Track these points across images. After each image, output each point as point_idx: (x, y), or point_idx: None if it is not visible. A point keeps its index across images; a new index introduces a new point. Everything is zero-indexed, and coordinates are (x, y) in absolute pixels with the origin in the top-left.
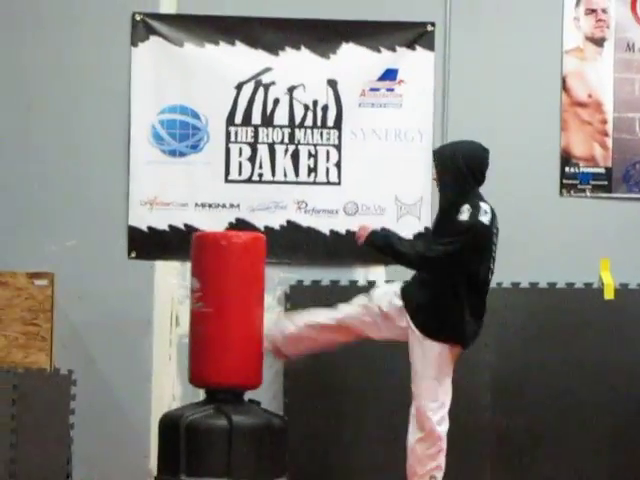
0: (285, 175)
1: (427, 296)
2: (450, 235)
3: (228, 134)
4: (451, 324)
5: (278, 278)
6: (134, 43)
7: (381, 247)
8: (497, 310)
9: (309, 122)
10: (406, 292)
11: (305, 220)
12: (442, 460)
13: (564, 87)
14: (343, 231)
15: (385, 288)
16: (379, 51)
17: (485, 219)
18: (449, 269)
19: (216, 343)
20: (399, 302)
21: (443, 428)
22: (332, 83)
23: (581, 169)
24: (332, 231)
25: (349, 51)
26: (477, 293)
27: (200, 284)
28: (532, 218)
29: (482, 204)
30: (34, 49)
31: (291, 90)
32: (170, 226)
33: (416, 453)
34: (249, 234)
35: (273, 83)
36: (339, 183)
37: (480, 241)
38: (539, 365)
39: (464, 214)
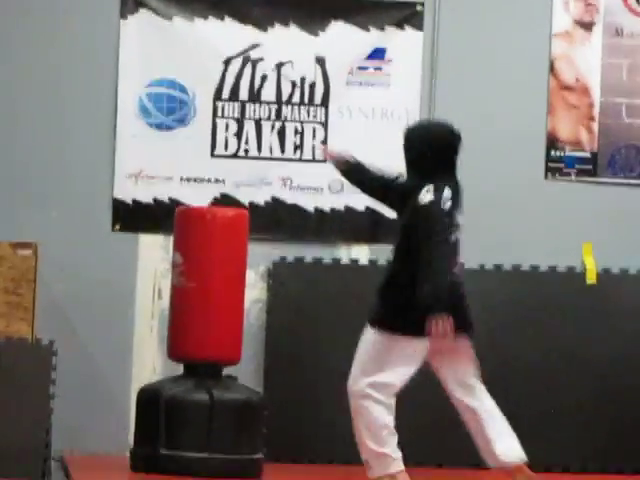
0: (271, 151)
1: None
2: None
3: (215, 109)
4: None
5: (261, 254)
6: (123, 15)
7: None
8: (479, 293)
9: (296, 99)
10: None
11: (290, 197)
12: None
13: (552, 70)
14: (328, 209)
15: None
16: (368, 30)
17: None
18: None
19: (197, 318)
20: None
21: None
22: (320, 61)
23: (567, 153)
24: (317, 208)
25: (338, 29)
26: None
27: (182, 259)
28: (517, 201)
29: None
30: (21, 19)
31: (279, 66)
32: (155, 199)
33: None
34: (232, 210)
35: (261, 59)
36: (324, 161)
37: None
38: (520, 348)
39: (427, 195)
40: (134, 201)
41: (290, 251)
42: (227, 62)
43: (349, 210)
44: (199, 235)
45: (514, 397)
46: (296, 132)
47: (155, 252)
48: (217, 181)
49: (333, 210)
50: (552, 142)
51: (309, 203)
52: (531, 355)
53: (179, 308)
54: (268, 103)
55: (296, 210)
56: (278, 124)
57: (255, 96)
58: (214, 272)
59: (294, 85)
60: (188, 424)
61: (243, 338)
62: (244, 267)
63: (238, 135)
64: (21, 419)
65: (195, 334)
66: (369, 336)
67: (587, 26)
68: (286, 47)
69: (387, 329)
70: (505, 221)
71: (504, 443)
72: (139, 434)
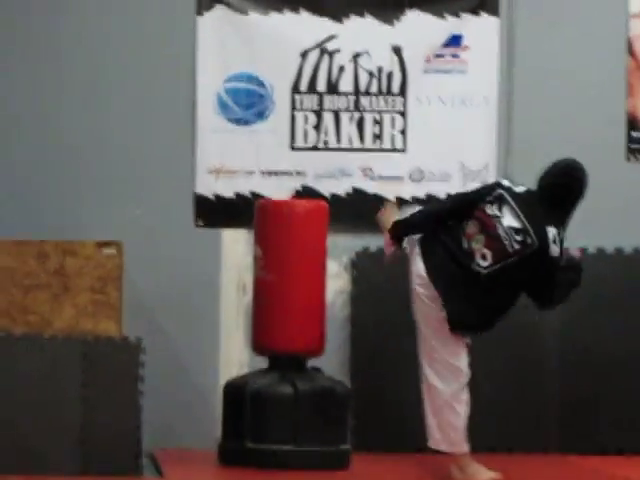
0: (350, 142)
1: None
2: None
3: (293, 102)
4: None
5: (343, 245)
6: (199, 12)
7: None
8: None
9: (374, 89)
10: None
11: (371, 187)
12: None
13: (630, 51)
14: (409, 197)
15: None
16: (443, 17)
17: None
18: None
19: (279, 310)
20: None
21: None
22: (397, 50)
23: None
24: (398, 198)
25: (413, 17)
26: None
27: (263, 252)
28: (599, 184)
29: None
30: (101, 18)
31: (356, 57)
32: (237, 194)
33: None
34: (311, 202)
35: (338, 50)
36: (404, 150)
37: None
38: (605, 331)
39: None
40: (216, 196)
41: (373, 241)
42: (304, 54)
43: (430, 198)
44: (278, 228)
45: (599, 380)
46: (375, 122)
47: (239, 247)
48: (298, 174)
49: (414, 199)
50: (633, 123)
51: (390, 192)
52: (617, 338)
53: (261, 301)
54: (346, 94)
55: (377, 200)
56: (357, 115)
57: (333, 87)
58: (293, 264)
59: (371, 75)
60: (273, 417)
61: (328, 330)
62: (324, 258)
63: (317, 127)
64: (111, 417)
65: (277, 327)
66: None
67: None
68: (362, 37)
69: None
70: (588, 204)
71: None
72: (226, 428)
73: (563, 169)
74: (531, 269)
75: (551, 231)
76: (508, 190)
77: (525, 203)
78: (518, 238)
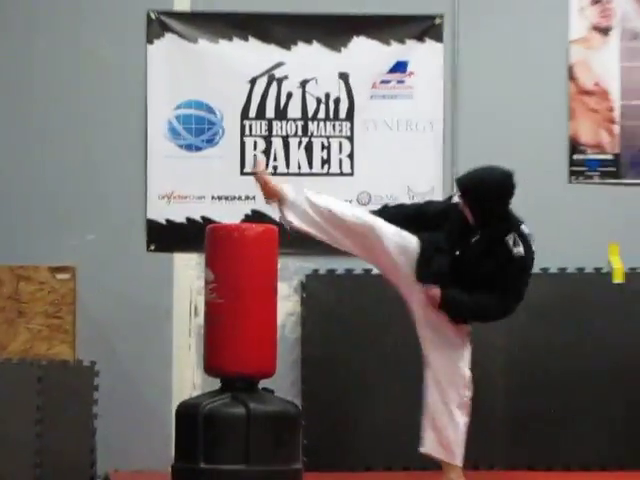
0: (299, 167)
1: None
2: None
3: (243, 128)
4: None
5: (294, 267)
6: (149, 40)
7: (456, 305)
8: None
9: (322, 115)
10: None
11: None
12: None
13: (571, 76)
14: None
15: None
16: (389, 44)
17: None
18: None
19: (230, 333)
20: None
21: None
22: (344, 76)
23: (589, 156)
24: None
25: (360, 44)
26: None
27: (214, 275)
28: (542, 206)
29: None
30: (51, 46)
31: (303, 84)
32: (188, 219)
33: None
34: (261, 226)
35: (286, 77)
36: (352, 174)
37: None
38: (551, 347)
39: (519, 247)
40: (167, 221)
41: (322, 263)
42: (253, 81)
43: None
44: (228, 252)
45: (546, 395)
46: (323, 147)
47: (190, 270)
48: (247, 198)
49: None
50: (574, 146)
51: None
52: (561, 354)
53: (213, 324)
54: (294, 120)
55: None
56: (305, 140)
57: (281, 114)
58: (245, 287)
59: (319, 101)
60: (226, 438)
61: (279, 351)
62: (275, 281)
63: (266, 152)
64: (66, 439)
65: (229, 349)
66: None
67: (604, 31)
68: (310, 64)
69: None
70: (531, 226)
71: None
72: (179, 449)
73: (470, 181)
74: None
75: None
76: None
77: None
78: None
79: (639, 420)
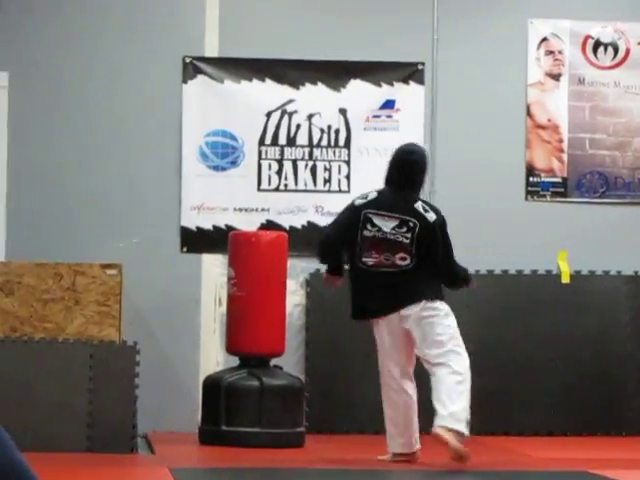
0: (305, 185)
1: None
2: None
3: (260, 152)
4: None
5: (300, 267)
6: (184, 81)
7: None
8: (473, 292)
9: (324, 143)
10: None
11: (322, 221)
12: None
13: (528, 113)
14: None
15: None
16: (380, 85)
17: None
18: None
19: (248, 320)
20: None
21: None
22: (343, 111)
23: (542, 179)
24: None
25: (356, 85)
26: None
27: (235, 273)
28: (503, 219)
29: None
30: (107, 85)
31: (310, 117)
32: (214, 226)
33: None
34: (274, 233)
35: (295, 112)
36: (349, 191)
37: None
38: (512, 335)
39: (430, 213)
40: (197, 228)
41: (323, 264)
42: (268, 115)
43: None
44: (247, 253)
45: (503, 375)
46: (325, 169)
47: (216, 269)
48: (263, 210)
49: None
50: (530, 171)
51: None
52: (515, 342)
53: (233, 312)
54: (302, 147)
55: None
56: (310, 163)
57: (291, 141)
58: (260, 283)
59: (322, 131)
60: (243, 405)
61: (287, 335)
62: (284, 278)
63: (279, 173)
64: (113, 405)
65: (246, 333)
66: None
67: (556, 77)
68: (315, 101)
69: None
70: (494, 236)
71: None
72: (205, 414)
73: (397, 155)
74: (428, 241)
75: (419, 204)
76: (367, 205)
77: (384, 201)
78: (403, 230)
79: (580, 395)
